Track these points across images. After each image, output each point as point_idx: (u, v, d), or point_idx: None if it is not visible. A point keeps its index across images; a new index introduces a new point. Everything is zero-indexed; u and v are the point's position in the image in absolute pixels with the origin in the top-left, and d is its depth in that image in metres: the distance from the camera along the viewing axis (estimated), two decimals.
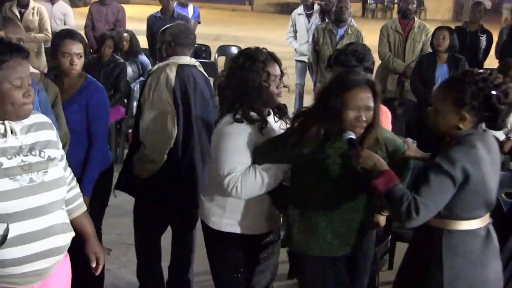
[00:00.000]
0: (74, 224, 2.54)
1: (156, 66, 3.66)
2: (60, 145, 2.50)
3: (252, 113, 2.90)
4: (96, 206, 3.56)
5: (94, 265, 2.60)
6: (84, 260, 2.64)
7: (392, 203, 2.50)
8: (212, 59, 9.78)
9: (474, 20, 7.74)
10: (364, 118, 2.67)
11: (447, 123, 2.57)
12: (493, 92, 2.48)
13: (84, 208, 2.67)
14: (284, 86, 2.99)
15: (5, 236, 2.20)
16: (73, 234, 2.46)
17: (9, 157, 2.25)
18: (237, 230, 3.00)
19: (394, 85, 6.93)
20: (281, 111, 3.08)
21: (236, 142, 2.85)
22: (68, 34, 3.53)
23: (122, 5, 8.79)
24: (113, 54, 6.55)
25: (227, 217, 3.00)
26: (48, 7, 8.16)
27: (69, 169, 2.60)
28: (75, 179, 2.67)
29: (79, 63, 3.49)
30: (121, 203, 4.13)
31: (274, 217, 3.12)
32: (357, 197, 2.83)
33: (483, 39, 7.60)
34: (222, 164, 2.86)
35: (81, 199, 2.66)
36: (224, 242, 3.04)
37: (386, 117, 3.51)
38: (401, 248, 4.36)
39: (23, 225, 2.23)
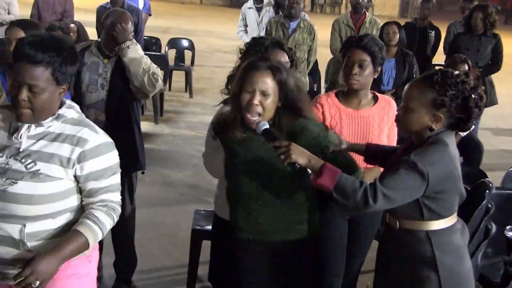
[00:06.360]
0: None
1: None
2: (78, 166, 2.23)
3: None
4: None
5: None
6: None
7: (345, 195, 2.41)
8: (163, 51, 9.65)
9: (423, 16, 7.85)
10: (256, 102, 2.55)
11: (420, 123, 2.51)
12: (473, 96, 2.45)
13: (82, 228, 2.21)
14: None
15: None
16: (28, 255, 2.15)
17: (0, 154, 2.23)
18: (217, 211, 3.19)
19: None
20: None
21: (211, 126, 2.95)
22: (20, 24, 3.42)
23: None
24: None
25: (218, 199, 3.14)
26: None
27: (100, 197, 2.28)
28: (107, 207, 2.29)
29: None
30: None
31: None
32: (276, 182, 2.67)
33: (432, 35, 7.73)
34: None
35: (87, 221, 2.24)
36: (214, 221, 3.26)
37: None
38: None
39: None
